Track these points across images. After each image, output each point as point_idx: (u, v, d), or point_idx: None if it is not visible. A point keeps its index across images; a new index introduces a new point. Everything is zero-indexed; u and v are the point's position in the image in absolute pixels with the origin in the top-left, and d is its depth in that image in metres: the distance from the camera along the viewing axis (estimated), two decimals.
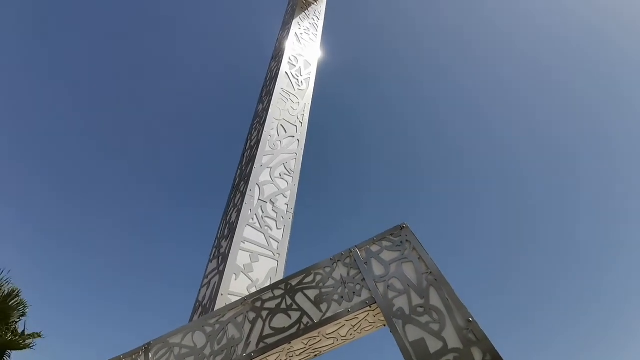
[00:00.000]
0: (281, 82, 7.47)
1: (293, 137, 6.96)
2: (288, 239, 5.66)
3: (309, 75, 8.11)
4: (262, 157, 6.27)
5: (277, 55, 8.41)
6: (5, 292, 9.97)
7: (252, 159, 6.29)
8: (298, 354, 3.49)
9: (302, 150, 6.90)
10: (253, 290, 4.73)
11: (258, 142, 6.50)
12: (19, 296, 10.09)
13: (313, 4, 9.54)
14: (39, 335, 9.74)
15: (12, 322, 9.74)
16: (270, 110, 6.91)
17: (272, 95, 7.19)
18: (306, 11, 9.19)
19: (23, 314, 9.93)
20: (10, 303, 9.94)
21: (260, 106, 7.60)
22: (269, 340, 3.34)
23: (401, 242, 3.64)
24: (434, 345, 2.88)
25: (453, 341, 2.86)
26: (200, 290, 5.15)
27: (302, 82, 7.83)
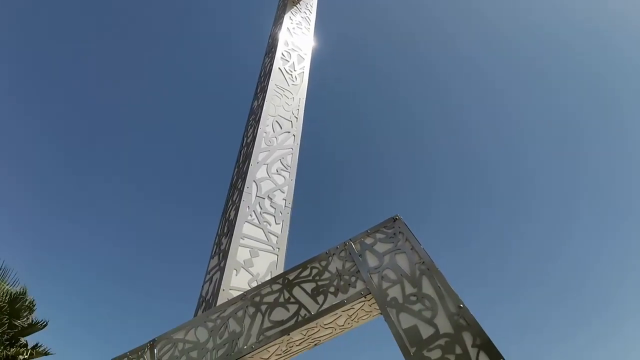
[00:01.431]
0: (275, 78, 7.49)
1: (289, 132, 7.01)
2: (287, 233, 5.76)
3: (303, 69, 8.11)
4: (259, 154, 6.34)
5: (270, 51, 8.40)
6: (15, 292, 10.52)
7: (248, 157, 6.36)
8: (298, 343, 3.62)
9: (299, 146, 6.96)
10: (254, 284, 4.85)
11: (254, 139, 6.56)
12: (26, 294, 10.74)
13: None
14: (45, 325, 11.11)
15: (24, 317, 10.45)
16: (264, 107, 6.94)
17: (266, 91, 7.21)
18: (298, 5, 9.14)
19: (31, 311, 10.60)
20: (20, 303, 10.51)
21: (255, 103, 7.64)
22: (269, 333, 3.47)
23: (394, 233, 3.73)
24: (426, 331, 2.99)
25: (444, 327, 2.97)
26: (203, 286, 5.29)
27: (296, 77, 7.84)
